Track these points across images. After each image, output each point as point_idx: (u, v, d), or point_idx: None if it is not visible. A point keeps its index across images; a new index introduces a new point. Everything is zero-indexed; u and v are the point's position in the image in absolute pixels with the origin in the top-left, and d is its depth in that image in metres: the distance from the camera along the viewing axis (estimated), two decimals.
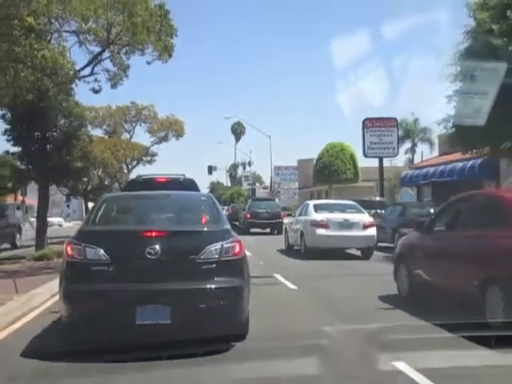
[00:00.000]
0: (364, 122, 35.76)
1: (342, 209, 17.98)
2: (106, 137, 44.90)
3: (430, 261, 8.80)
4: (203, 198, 8.02)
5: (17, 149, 19.30)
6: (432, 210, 15.44)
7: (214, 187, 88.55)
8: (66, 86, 15.56)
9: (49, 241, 20.11)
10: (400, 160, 51.70)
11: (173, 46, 15.37)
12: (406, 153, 54.59)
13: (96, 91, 17.47)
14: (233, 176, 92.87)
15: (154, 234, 6.20)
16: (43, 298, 9.56)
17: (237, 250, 6.29)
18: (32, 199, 35.46)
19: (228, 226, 6.80)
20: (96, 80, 16.84)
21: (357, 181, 42.85)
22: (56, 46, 13.99)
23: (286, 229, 21.43)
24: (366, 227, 16.99)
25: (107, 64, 16.62)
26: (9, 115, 18.20)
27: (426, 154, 49.32)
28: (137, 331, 5.73)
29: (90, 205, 33.16)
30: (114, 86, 17.21)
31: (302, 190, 56.35)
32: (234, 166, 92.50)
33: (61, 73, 13.34)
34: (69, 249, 6.18)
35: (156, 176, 12.13)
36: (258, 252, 16.96)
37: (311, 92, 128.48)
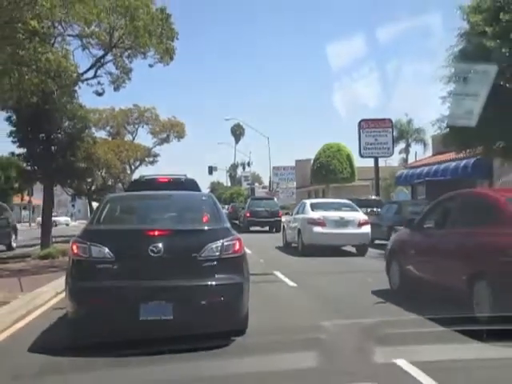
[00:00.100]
0: (360, 123, 35.71)
1: (338, 207, 18.03)
2: (110, 138, 44.72)
3: (419, 257, 8.91)
4: (204, 198, 8.03)
5: (22, 150, 19.20)
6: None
7: (215, 187, 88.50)
8: (69, 89, 15.41)
9: (54, 239, 19.98)
10: (395, 160, 51.85)
11: (174, 48, 15.25)
12: (400, 153, 54.75)
13: (99, 94, 17.41)
14: (232, 176, 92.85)
15: (156, 232, 6.25)
16: (48, 296, 9.43)
17: (237, 247, 6.30)
18: (39, 199, 35.34)
19: (228, 225, 6.81)
20: (99, 83, 16.81)
21: (353, 180, 42.90)
22: (59, 50, 13.85)
23: (283, 227, 21.44)
24: (360, 225, 17.03)
25: (110, 67, 16.54)
26: (14, 117, 18.07)
27: (419, 154, 49.57)
28: (140, 327, 5.75)
29: (94, 204, 33.01)
30: (116, 88, 17.11)
31: (300, 189, 56.31)
32: (234, 167, 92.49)
33: (64, 75, 13.20)
34: (74, 247, 6.19)
35: (158, 176, 12.18)
36: (257, 250, 16.93)
37: (308, 94, 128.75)
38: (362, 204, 22.95)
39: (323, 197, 40.60)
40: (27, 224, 53.61)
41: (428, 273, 8.48)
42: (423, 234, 9.05)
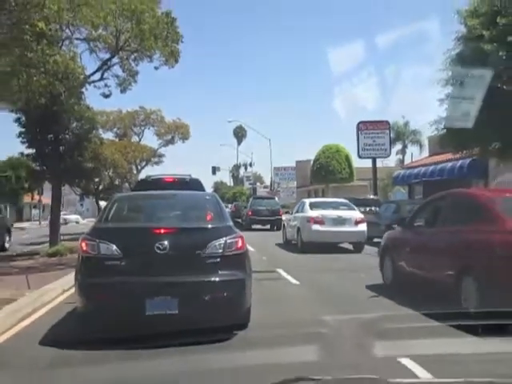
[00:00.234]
0: (358, 124, 35.60)
1: (336, 206, 18.10)
2: (117, 139, 44.62)
3: (410, 253, 9.05)
4: (208, 197, 8.04)
5: (31, 150, 19.00)
6: None
7: (218, 187, 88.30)
8: (76, 90, 15.22)
9: (63, 237, 19.81)
10: (391, 160, 51.67)
11: (179, 51, 15.07)
12: (397, 154, 54.44)
13: (106, 96, 17.27)
14: (235, 176, 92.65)
15: (162, 230, 6.28)
16: (55, 294, 9.24)
17: (239, 244, 6.33)
18: (48, 198, 35.12)
19: (231, 223, 6.84)
20: (106, 85, 16.69)
21: (352, 180, 42.76)
22: (67, 52, 13.64)
23: (284, 225, 21.39)
24: (357, 223, 17.10)
25: (117, 70, 16.39)
26: (23, 119, 17.88)
27: (415, 155, 49.48)
28: (147, 321, 5.77)
29: (102, 203, 32.87)
30: (123, 90, 16.95)
31: (300, 188, 56.10)
32: (237, 167, 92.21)
33: (72, 77, 13.02)
34: (84, 244, 6.23)
35: (164, 176, 12.12)
36: (259, 247, 16.88)
37: (309, 97, 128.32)
38: (361, 203, 22.91)
39: (323, 196, 40.45)
40: (37, 222, 53.43)
41: (418, 268, 8.60)
42: (414, 231, 9.16)
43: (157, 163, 48.38)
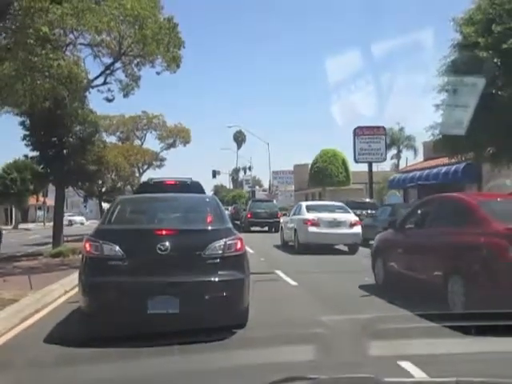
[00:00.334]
0: (355, 130, 35.53)
1: (331, 209, 18.18)
2: (120, 143, 44.49)
3: (401, 254, 9.17)
4: (208, 200, 8.13)
5: (35, 153, 18.86)
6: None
7: (218, 190, 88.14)
8: (80, 94, 15.05)
9: (66, 238, 19.67)
10: (387, 165, 51.51)
11: (180, 57, 14.87)
12: (392, 158, 54.46)
13: (109, 100, 17.16)
14: (235, 179, 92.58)
15: (164, 232, 6.29)
16: (57, 294, 9.11)
17: (238, 246, 6.33)
18: (53, 200, 34.96)
19: (230, 225, 6.86)
20: (109, 90, 16.57)
21: (348, 184, 42.79)
22: (71, 57, 13.50)
23: (281, 227, 21.33)
24: (352, 225, 17.09)
25: (119, 74, 16.21)
26: (28, 122, 17.75)
27: (410, 159, 49.43)
28: (149, 320, 5.78)
29: (104, 205, 32.73)
30: (126, 95, 16.82)
31: (298, 192, 55.99)
32: (236, 171, 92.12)
33: (75, 81, 12.84)
34: (87, 245, 6.24)
35: (165, 179, 12.11)
36: (258, 249, 16.79)
37: (307, 102, 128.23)
38: (358, 206, 22.91)
39: (320, 199, 40.33)
40: (42, 224, 53.23)
41: (408, 269, 8.69)
42: (404, 233, 9.25)
43: (158, 166, 48.52)
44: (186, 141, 50.07)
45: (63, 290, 9.44)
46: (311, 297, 9.17)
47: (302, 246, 16.76)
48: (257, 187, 73.90)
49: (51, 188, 31.06)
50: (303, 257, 15.60)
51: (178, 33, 14.43)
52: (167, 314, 5.75)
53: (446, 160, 22.78)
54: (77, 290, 8.62)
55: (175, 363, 4.24)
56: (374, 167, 37.12)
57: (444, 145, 16.88)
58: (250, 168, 78.85)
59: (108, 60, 15.57)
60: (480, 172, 22.12)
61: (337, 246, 17.51)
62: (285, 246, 18.88)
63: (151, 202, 7.88)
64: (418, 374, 4.37)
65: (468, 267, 6.96)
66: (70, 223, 55.35)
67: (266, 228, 30.54)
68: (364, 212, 22.49)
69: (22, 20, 9.99)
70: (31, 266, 13.11)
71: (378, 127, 36.39)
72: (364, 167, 36.52)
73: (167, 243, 6.01)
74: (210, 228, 6.69)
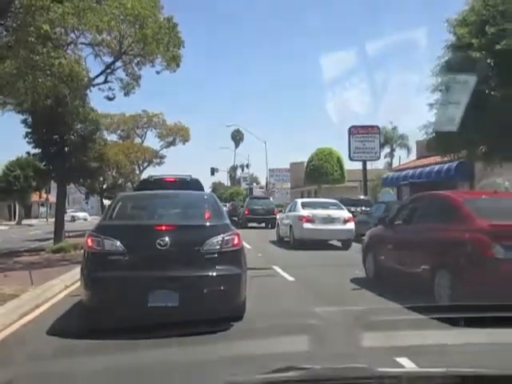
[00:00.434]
0: (350, 129, 35.48)
1: (326, 206, 18.23)
2: (120, 141, 44.29)
3: (390, 249, 9.28)
4: (206, 197, 8.06)
5: (37, 151, 18.66)
6: None
7: (216, 187, 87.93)
8: (81, 93, 14.85)
9: (68, 234, 19.50)
10: (381, 163, 51.47)
11: (180, 56, 14.67)
12: (385, 157, 54.31)
13: (110, 99, 16.96)
14: (232, 177, 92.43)
15: (163, 227, 6.29)
16: (58, 289, 8.95)
17: (236, 241, 6.35)
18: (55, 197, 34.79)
19: (228, 221, 6.86)
20: (110, 88, 16.35)
21: (343, 181, 42.71)
22: (72, 55, 13.30)
23: (277, 223, 21.29)
24: (345, 222, 17.16)
25: (120, 73, 16.01)
26: (29, 119, 17.54)
27: (403, 158, 49.40)
28: (149, 313, 5.79)
29: (105, 202, 32.55)
30: (126, 94, 16.59)
31: (294, 189, 55.91)
32: (234, 168, 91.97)
33: (76, 80, 12.64)
34: (89, 240, 6.27)
35: (165, 176, 11.98)
36: (255, 244, 16.71)
37: (303, 102, 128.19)
38: (353, 203, 22.89)
39: (315, 196, 40.28)
40: (45, 220, 53.03)
41: (397, 263, 8.80)
42: (394, 229, 9.36)
43: (158, 164, 48.53)
44: (185, 139, 50.02)
45: (64, 285, 9.29)
46: (307, 291, 9.14)
47: (297, 242, 16.81)
48: (254, 184, 73.77)
49: (54, 185, 30.85)
50: (298, 252, 15.61)
51: (178, 32, 14.24)
52: (167, 307, 5.76)
53: (438, 159, 22.68)
54: (77, 284, 8.59)
55: (174, 354, 4.23)
56: (368, 165, 37.07)
57: (437, 143, 16.80)
58: (247, 166, 78.72)
59: (109, 59, 15.40)
60: (472, 170, 22.01)
61: (331, 242, 17.55)
62: (280, 242, 18.89)
63: (151, 198, 7.87)
64: (408, 364, 4.38)
65: (454, 262, 7.10)
66: (73, 219, 55.21)
67: (263, 224, 30.50)
68: (358, 209, 22.41)
69: (23, 18, 9.79)
70: (32, 262, 12.93)
71: (373, 126, 36.35)
72: (358, 165, 36.46)
73: (167, 238, 6.03)
74: (208, 224, 6.69)
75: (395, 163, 49.95)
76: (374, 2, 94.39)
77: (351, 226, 17.19)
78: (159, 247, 5.99)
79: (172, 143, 49.85)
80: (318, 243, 16.44)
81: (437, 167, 24.60)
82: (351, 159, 35.83)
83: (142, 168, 46.17)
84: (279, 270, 11.27)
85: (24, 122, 17.63)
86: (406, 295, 7.14)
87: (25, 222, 51.20)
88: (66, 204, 24.27)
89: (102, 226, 6.62)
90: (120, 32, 13.41)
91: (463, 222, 7.26)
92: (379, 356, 4.29)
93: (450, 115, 15.07)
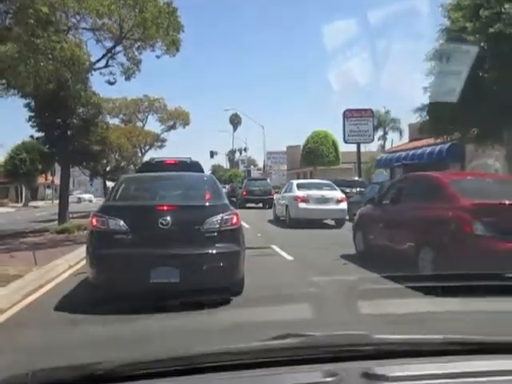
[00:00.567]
0: (344, 112, 35.36)
1: (320, 187, 18.37)
2: (122, 125, 43.96)
3: (378, 227, 9.39)
4: (206, 178, 8.18)
5: (40, 134, 18.34)
6: None
7: (215, 169, 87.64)
8: (82, 76, 14.51)
9: (72, 215, 19.30)
10: (374, 146, 51.28)
11: (180, 40, 14.33)
12: (378, 139, 54.09)
13: (111, 83, 16.69)
14: (231, 159, 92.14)
15: (165, 207, 6.35)
16: (61, 269, 8.82)
17: (234, 220, 6.40)
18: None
19: (227, 201, 6.93)
20: (111, 73, 16.06)
21: (338, 163, 42.57)
22: (73, 40, 12.94)
23: (274, 203, 21.32)
24: (338, 202, 17.32)
25: (121, 58, 15.68)
26: (32, 103, 17.18)
27: (395, 140, 49.24)
28: (151, 288, 5.86)
29: (109, 184, 32.33)
30: (127, 78, 16.30)
31: (290, 171, 55.70)
32: (232, 152, 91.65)
33: (78, 64, 12.31)
34: (94, 220, 6.31)
35: (166, 159, 11.89)
36: (253, 224, 16.70)
37: (299, 87, 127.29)
38: (348, 184, 22.83)
39: (311, 178, 40.15)
40: (50, 201, 52.81)
41: (385, 240, 8.91)
42: (382, 209, 9.46)
43: (160, 147, 48.35)
44: (185, 123, 49.82)
45: (67, 265, 9.15)
46: (304, 266, 9.24)
47: (292, 221, 16.96)
48: (252, 167, 73.57)
49: (58, 167, 30.61)
50: (294, 231, 15.73)
51: (178, 17, 13.88)
52: (168, 283, 5.84)
53: (430, 141, 22.48)
54: (81, 264, 8.49)
55: (174, 326, 4.27)
56: (362, 148, 36.98)
57: (431, 125, 16.57)
58: (245, 149, 78.51)
59: (109, 44, 15.04)
60: (464, 152, 21.81)
61: (325, 221, 17.64)
62: (277, 221, 18.99)
63: (153, 180, 7.88)
64: (401, 330, 4.23)
65: (437, 238, 7.18)
66: (79, 200, 55.08)
67: (261, 204, 30.43)
68: (353, 190, 22.26)
69: (22, 1, 9.44)
70: (37, 242, 12.74)
71: (366, 110, 36.24)
72: (353, 148, 36.36)
73: (168, 218, 6.07)
74: (207, 204, 6.72)
75: (388, 146, 49.88)
76: None
77: (344, 205, 17.32)
78: (161, 226, 6.02)
79: (172, 127, 49.68)
80: (313, 222, 16.60)
81: (429, 149, 24.39)
82: (346, 142, 35.75)
83: (143, 151, 45.89)
84: (278, 250, 11.15)
85: (27, 105, 17.28)
86: (393, 270, 7.11)
87: (31, 203, 51.01)
88: (72, 186, 24.05)
89: (106, 207, 6.68)
90: (120, 16, 13.04)
91: (448, 201, 7.35)
92: (371, 322, 4.24)
93: (446, 88, 14.65)
